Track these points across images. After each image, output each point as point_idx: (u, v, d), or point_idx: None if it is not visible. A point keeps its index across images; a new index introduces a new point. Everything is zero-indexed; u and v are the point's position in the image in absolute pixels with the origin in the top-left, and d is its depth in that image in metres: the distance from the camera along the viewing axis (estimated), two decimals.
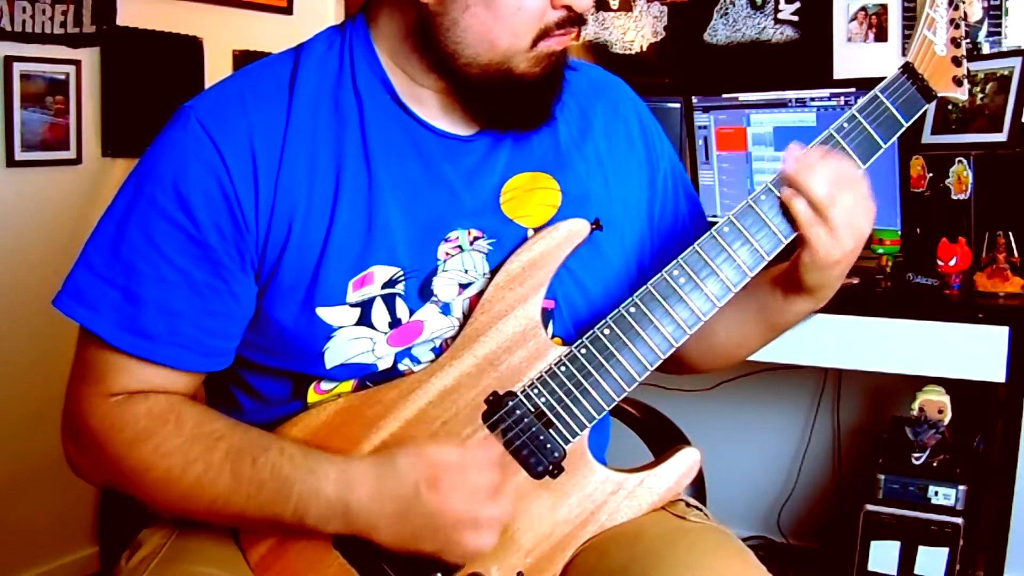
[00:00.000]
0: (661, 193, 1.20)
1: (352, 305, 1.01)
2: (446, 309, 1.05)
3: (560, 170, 1.10)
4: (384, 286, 1.02)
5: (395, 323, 1.03)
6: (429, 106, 1.06)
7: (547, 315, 1.07)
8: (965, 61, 1.09)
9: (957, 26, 1.08)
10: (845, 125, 1.05)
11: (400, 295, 1.03)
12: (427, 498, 0.96)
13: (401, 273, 1.03)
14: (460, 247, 1.05)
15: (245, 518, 1.00)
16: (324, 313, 1.01)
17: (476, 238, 1.06)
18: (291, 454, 0.99)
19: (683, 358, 1.21)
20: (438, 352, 1.05)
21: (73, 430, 1.02)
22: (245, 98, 1.02)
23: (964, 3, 1.10)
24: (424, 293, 1.04)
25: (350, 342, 1.02)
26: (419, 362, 1.05)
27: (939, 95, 1.08)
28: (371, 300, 1.02)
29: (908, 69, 1.07)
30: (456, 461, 0.98)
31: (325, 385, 1.05)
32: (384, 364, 1.04)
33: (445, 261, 1.04)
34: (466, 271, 1.05)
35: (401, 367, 1.05)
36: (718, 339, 1.19)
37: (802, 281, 1.06)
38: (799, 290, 1.08)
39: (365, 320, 1.02)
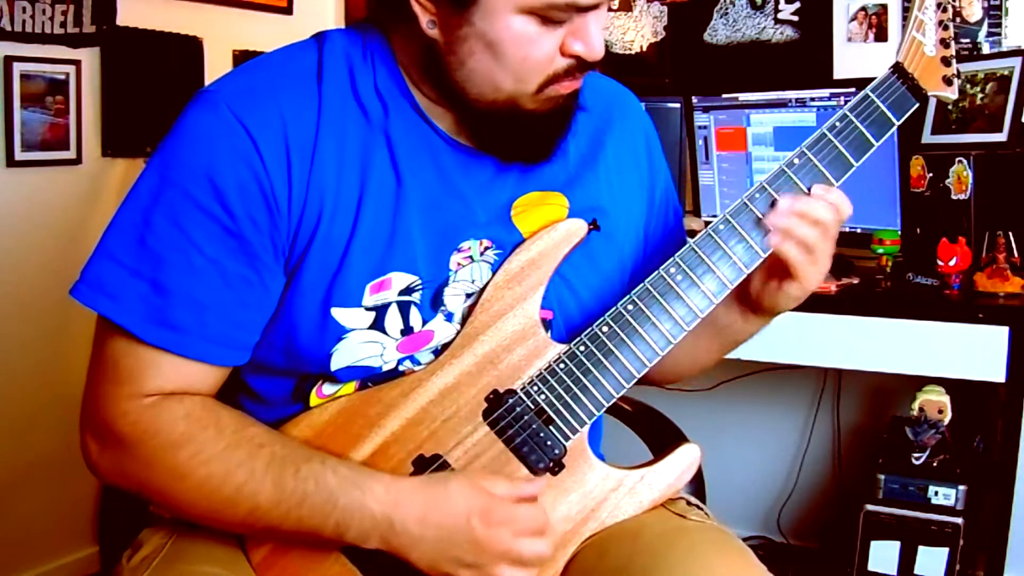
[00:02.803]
0: (656, 212, 1.21)
1: (367, 308, 1.01)
2: (450, 317, 1.04)
3: (570, 188, 1.10)
4: (401, 293, 1.01)
5: (407, 331, 1.02)
6: (444, 120, 1.05)
7: (545, 325, 1.07)
8: (955, 61, 1.10)
9: (946, 27, 1.10)
10: (837, 124, 1.06)
11: (415, 304, 1.02)
12: (477, 528, 0.96)
13: (418, 282, 1.02)
14: (471, 257, 1.05)
15: (280, 530, 0.98)
16: (339, 314, 1.00)
17: (486, 248, 1.05)
18: (334, 466, 0.98)
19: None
20: (438, 353, 1.05)
21: (99, 431, 0.99)
22: (275, 85, 0.99)
23: (952, 5, 1.11)
24: (436, 303, 1.03)
25: (360, 345, 1.02)
26: (419, 363, 1.05)
27: (929, 94, 1.09)
28: (386, 306, 1.01)
29: (898, 69, 1.08)
30: (508, 494, 0.98)
31: (327, 389, 1.05)
32: (388, 367, 1.04)
33: (456, 272, 1.04)
34: (473, 281, 1.05)
35: (401, 367, 1.04)
36: (677, 355, 1.17)
37: (776, 305, 1.09)
38: (764, 312, 1.11)
39: (378, 325, 1.01)
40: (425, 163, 1.03)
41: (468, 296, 1.05)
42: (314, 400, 1.05)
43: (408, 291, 1.01)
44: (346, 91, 1.01)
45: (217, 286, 0.97)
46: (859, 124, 1.06)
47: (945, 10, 1.10)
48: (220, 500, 0.96)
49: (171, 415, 0.97)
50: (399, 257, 1.01)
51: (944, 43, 1.10)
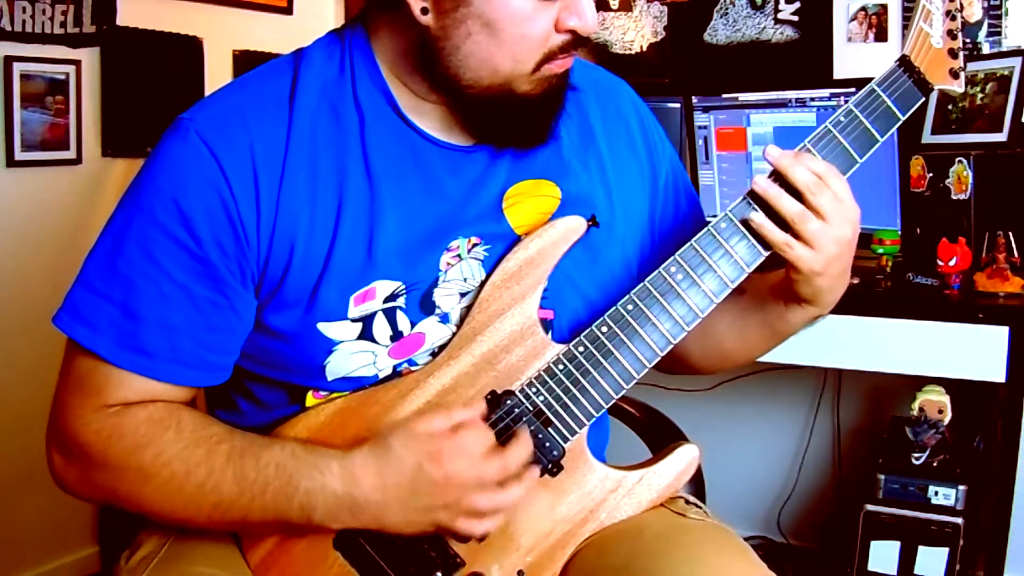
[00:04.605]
0: (663, 197, 1.19)
1: (354, 320, 1.01)
2: (445, 318, 1.04)
3: (562, 177, 1.10)
4: (385, 300, 1.01)
5: (397, 336, 1.02)
6: (431, 118, 1.05)
7: (546, 325, 1.06)
8: (962, 53, 1.08)
9: (953, 18, 1.08)
10: (842, 119, 1.04)
11: (401, 308, 1.02)
12: (433, 471, 0.95)
13: (403, 287, 1.02)
14: (459, 256, 1.04)
15: (248, 522, 0.99)
16: (325, 328, 1.00)
17: (475, 245, 1.05)
18: (293, 450, 0.98)
19: (686, 358, 1.20)
20: (435, 355, 1.05)
21: (63, 443, 1.01)
22: (246, 110, 1.00)
23: None
24: (426, 305, 1.03)
25: (352, 356, 1.02)
26: (417, 365, 1.04)
27: (936, 87, 1.08)
28: (372, 315, 1.01)
29: (904, 62, 1.07)
30: (447, 428, 0.98)
31: (325, 392, 1.05)
32: (384, 374, 1.04)
33: (446, 271, 1.04)
34: (465, 280, 1.05)
35: (399, 369, 1.04)
36: (724, 342, 1.18)
37: (796, 292, 1.06)
38: (796, 300, 1.08)
39: (367, 334, 1.01)
40: (406, 168, 1.03)
41: (462, 296, 1.05)
42: (310, 400, 1.05)
43: (392, 297, 1.01)
44: (320, 109, 1.02)
45: (186, 310, 0.98)
46: (864, 119, 1.04)
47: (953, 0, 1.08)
48: (184, 498, 0.97)
49: (134, 419, 0.98)
50: (381, 266, 1.01)
51: (951, 34, 1.08)
